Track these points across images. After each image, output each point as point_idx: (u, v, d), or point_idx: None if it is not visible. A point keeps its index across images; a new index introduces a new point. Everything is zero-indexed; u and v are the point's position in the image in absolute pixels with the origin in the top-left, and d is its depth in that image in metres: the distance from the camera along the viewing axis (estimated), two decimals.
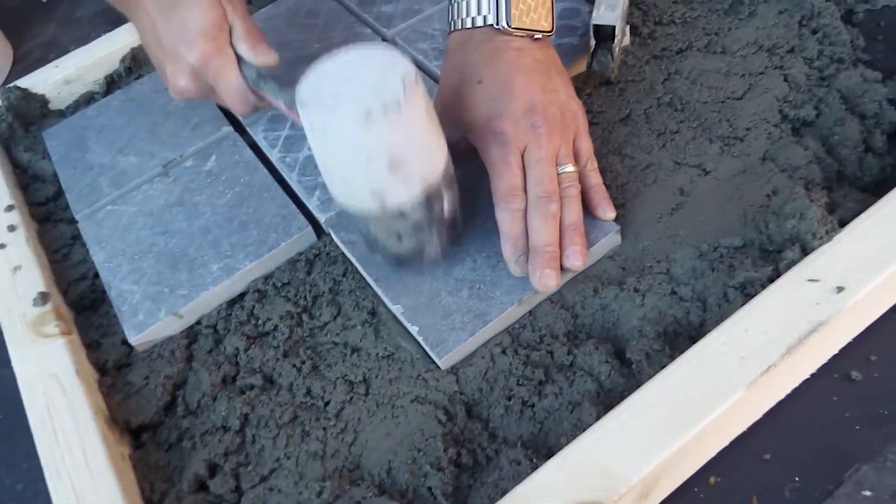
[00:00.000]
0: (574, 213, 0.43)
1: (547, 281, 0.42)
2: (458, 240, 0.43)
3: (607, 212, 0.44)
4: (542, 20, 0.44)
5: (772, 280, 0.40)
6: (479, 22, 0.45)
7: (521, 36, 0.44)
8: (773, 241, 0.43)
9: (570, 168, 0.43)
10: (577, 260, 0.42)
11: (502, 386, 0.42)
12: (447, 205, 0.40)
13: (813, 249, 0.40)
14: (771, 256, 0.43)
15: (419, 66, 0.58)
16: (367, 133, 0.36)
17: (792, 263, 0.40)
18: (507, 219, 0.43)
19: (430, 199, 0.39)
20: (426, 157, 0.39)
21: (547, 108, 0.42)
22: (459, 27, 0.46)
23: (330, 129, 0.37)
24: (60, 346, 0.47)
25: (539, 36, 0.45)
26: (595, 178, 0.45)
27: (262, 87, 0.48)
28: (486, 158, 0.44)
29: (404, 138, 0.37)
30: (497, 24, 0.44)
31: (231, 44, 0.48)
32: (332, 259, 0.50)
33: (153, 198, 0.54)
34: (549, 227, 0.42)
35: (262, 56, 0.48)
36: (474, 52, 0.45)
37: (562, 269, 0.43)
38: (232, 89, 0.48)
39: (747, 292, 0.41)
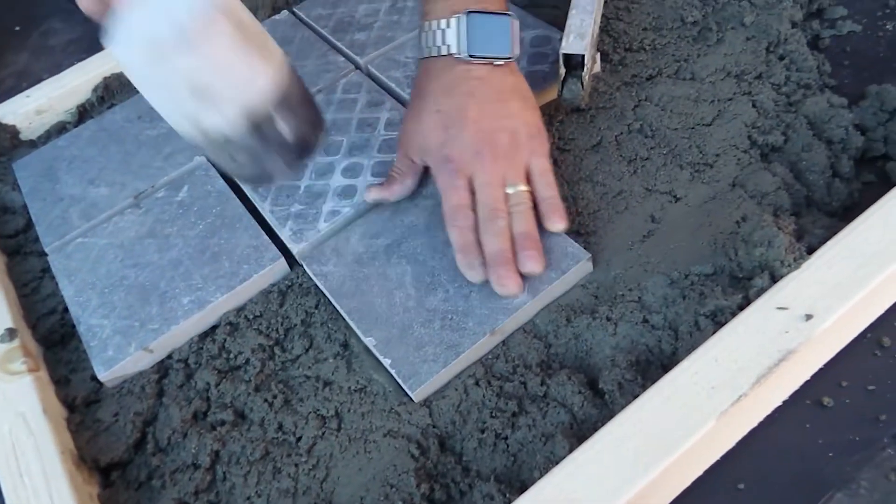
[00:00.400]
0: (524, 223, 0.44)
1: (506, 283, 0.43)
2: (311, 156, 0.43)
3: (555, 223, 0.45)
4: (503, 46, 0.45)
5: (742, 308, 0.41)
6: (444, 51, 0.46)
7: (483, 64, 0.45)
8: (742, 268, 0.43)
9: (521, 187, 0.45)
10: (531, 262, 0.43)
11: (476, 418, 0.42)
12: (287, 127, 0.39)
13: (781, 277, 0.41)
14: (741, 284, 0.43)
15: (391, 94, 0.58)
16: (159, 65, 0.36)
17: (761, 291, 0.41)
18: (455, 233, 0.45)
19: (259, 125, 0.38)
20: (239, 81, 0.37)
21: (495, 135, 0.44)
22: (426, 55, 0.47)
23: (126, 63, 0.37)
24: (28, 384, 0.46)
25: (501, 62, 0.46)
26: (548, 192, 0.45)
27: None
28: (437, 183, 0.47)
29: (202, 64, 0.36)
30: (458, 53, 0.45)
31: None
32: (304, 290, 0.49)
33: (124, 230, 0.54)
34: (500, 238, 0.44)
35: None
36: (436, 81, 0.46)
37: (523, 277, 0.43)
38: None
39: (718, 320, 0.41)
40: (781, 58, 0.54)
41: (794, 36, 0.54)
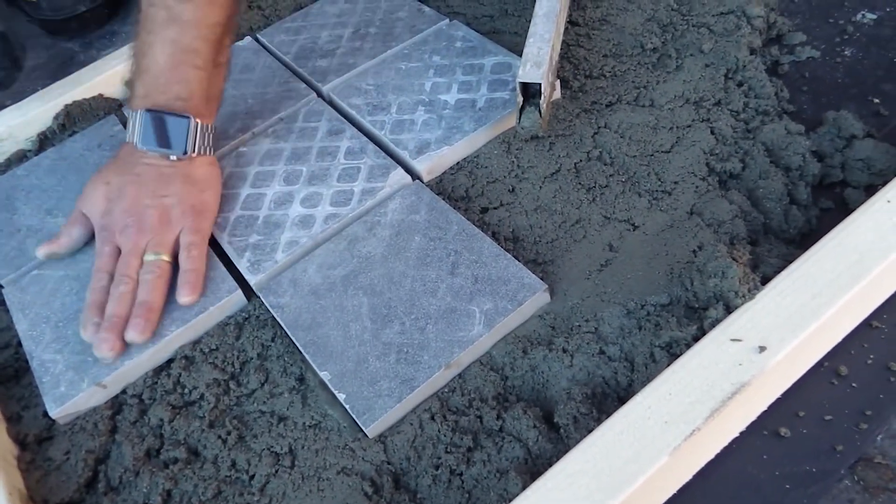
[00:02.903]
0: (147, 293, 0.48)
1: (101, 346, 0.46)
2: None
3: (183, 295, 0.49)
4: (177, 144, 0.51)
5: (696, 339, 0.40)
6: (129, 138, 0.52)
7: (156, 153, 0.51)
8: (698, 298, 0.43)
9: (161, 257, 0.49)
10: (132, 331, 0.47)
11: (430, 454, 0.41)
12: None
13: (736, 308, 0.40)
14: (696, 314, 0.43)
15: (352, 122, 0.58)
16: None
17: (716, 322, 0.40)
18: (89, 290, 0.49)
19: None
20: None
21: (146, 210, 0.50)
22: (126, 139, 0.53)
23: None
24: None
25: (174, 158, 0.51)
26: (188, 265, 0.50)
27: None
28: (97, 245, 0.52)
29: None
30: (135, 143, 0.51)
31: None
32: (261, 323, 0.49)
33: (81, 261, 0.53)
34: (116, 303, 0.48)
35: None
36: (118, 159, 0.53)
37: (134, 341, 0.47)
38: None
39: (673, 352, 0.41)
40: (740, 84, 0.54)
41: (752, 63, 0.55)
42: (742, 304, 0.40)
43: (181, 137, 0.50)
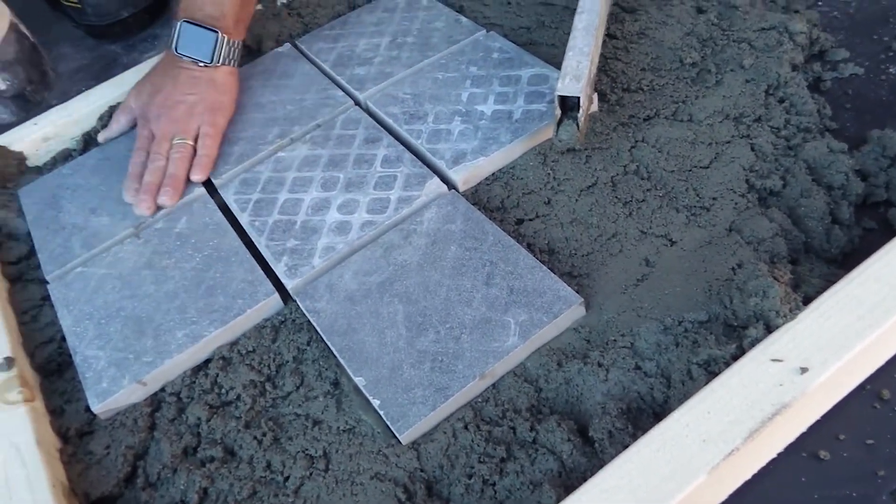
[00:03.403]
0: (174, 167, 0.58)
1: (140, 206, 0.57)
2: (31, 109, 0.56)
3: (195, 173, 0.59)
4: (204, 53, 0.60)
5: (735, 358, 0.40)
6: (170, 45, 0.62)
7: (190, 59, 0.61)
8: (737, 316, 0.42)
9: (186, 141, 0.59)
10: (164, 196, 0.57)
11: (463, 463, 0.41)
12: (4, 84, 0.52)
13: (776, 328, 0.40)
14: (735, 333, 0.42)
15: (389, 131, 0.59)
16: None
17: (756, 341, 0.40)
18: (130, 164, 0.60)
19: None
20: None
21: (175, 105, 0.60)
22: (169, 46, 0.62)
23: None
24: (23, 415, 0.46)
25: (203, 65, 0.61)
26: (202, 151, 0.59)
27: None
28: (137, 129, 0.63)
29: None
30: (171, 48, 0.61)
31: None
32: (297, 326, 0.49)
33: (123, 260, 0.54)
34: (152, 173, 0.58)
35: None
36: (162, 62, 0.64)
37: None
38: None
39: (711, 370, 0.41)
40: (781, 101, 0.54)
41: (794, 79, 0.54)
42: (783, 323, 0.40)
43: (209, 48, 0.60)
